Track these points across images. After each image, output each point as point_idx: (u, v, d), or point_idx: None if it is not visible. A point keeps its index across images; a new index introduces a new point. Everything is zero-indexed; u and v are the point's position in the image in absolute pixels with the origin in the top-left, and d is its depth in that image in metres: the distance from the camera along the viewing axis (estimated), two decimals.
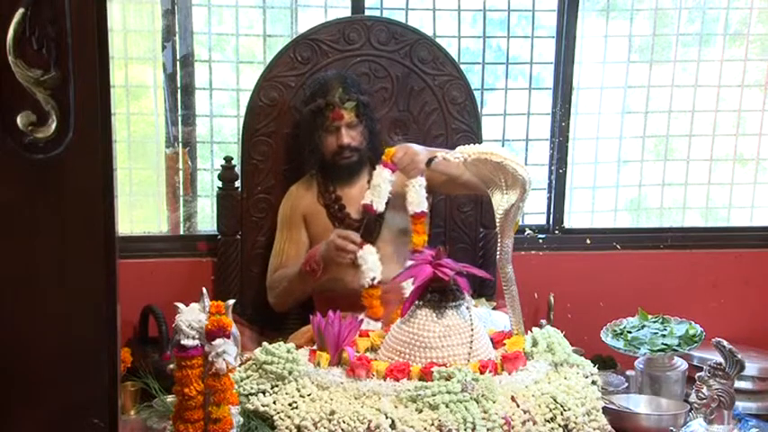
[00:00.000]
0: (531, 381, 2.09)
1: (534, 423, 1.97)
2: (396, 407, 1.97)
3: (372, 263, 2.57)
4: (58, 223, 1.31)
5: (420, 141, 2.95)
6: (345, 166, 2.70)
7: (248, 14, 3.17)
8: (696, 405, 2.14)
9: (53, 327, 1.33)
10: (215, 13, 3.14)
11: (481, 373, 2.05)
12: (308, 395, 2.04)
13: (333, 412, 1.96)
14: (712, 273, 3.32)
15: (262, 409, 2.02)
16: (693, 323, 2.74)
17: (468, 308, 2.19)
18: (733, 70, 3.40)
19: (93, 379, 1.35)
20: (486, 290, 2.98)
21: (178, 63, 3.08)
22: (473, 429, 1.91)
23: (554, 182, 3.28)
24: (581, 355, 2.33)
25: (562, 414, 2.01)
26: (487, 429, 1.92)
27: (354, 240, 2.55)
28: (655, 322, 2.80)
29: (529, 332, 2.30)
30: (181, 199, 3.16)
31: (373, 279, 2.56)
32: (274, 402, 2.03)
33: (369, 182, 2.72)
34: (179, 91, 3.10)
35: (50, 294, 1.32)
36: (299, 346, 2.23)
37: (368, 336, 2.33)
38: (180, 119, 3.11)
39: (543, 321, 2.84)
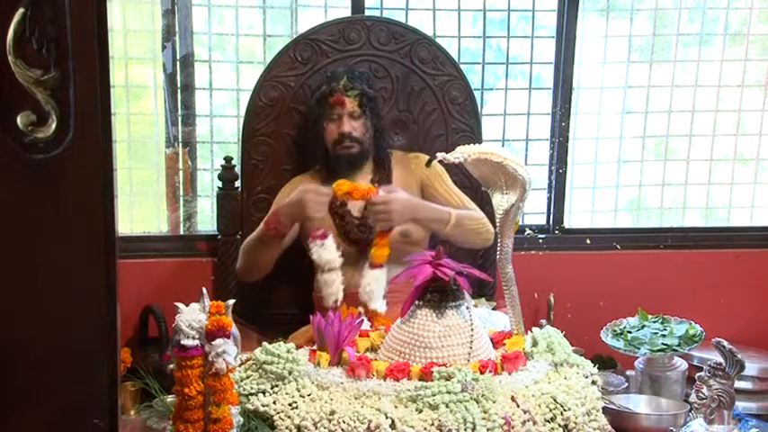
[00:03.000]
0: (531, 381, 2.09)
1: (534, 423, 1.97)
2: (396, 407, 1.97)
3: (336, 286, 2.53)
4: (58, 223, 1.31)
5: (420, 141, 2.97)
6: (345, 156, 2.69)
7: (248, 14, 3.17)
8: (696, 405, 2.14)
9: (53, 327, 1.33)
10: (215, 13, 3.14)
11: (481, 373, 2.05)
12: (308, 395, 2.04)
13: (333, 412, 1.96)
14: (712, 273, 3.32)
15: (262, 409, 2.02)
16: (693, 323, 2.74)
17: (468, 308, 2.19)
18: (733, 70, 3.40)
19: (93, 379, 1.35)
20: (486, 290, 2.98)
21: (178, 63, 3.08)
22: (473, 429, 1.91)
23: (554, 182, 3.29)
24: (581, 355, 2.33)
25: (562, 414, 2.01)
26: (487, 429, 1.92)
27: (326, 192, 2.53)
28: (655, 322, 2.79)
29: (529, 332, 2.30)
30: (181, 199, 3.16)
31: (335, 302, 2.51)
32: (274, 402, 2.03)
33: (372, 180, 2.72)
34: (179, 91, 3.10)
35: (50, 294, 1.32)
36: (299, 346, 2.23)
37: (368, 336, 2.33)
38: (180, 119, 3.11)
39: (543, 321, 2.84)
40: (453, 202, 2.73)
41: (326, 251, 2.52)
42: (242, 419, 1.99)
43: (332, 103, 2.67)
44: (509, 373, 2.11)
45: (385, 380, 2.06)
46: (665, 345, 2.64)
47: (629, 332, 2.75)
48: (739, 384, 2.41)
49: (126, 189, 3.09)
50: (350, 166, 2.71)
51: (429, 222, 2.63)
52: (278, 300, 2.95)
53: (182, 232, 3.15)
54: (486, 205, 2.72)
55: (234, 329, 1.93)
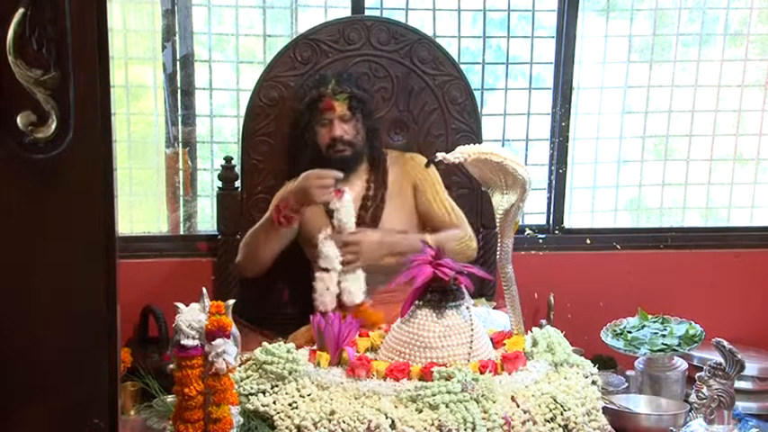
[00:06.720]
0: (531, 381, 2.09)
1: (534, 423, 1.97)
2: (396, 407, 1.97)
3: (355, 283, 2.58)
4: (58, 223, 1.31)
5: (420, 141, 2.97)
6: (339, 159, 2.69)
7: (248, 14, 3.17)
8: (696, 405, 2.14)
9: (53, 327, 1.32)
10: (215, 13, 3.14)
11: (481, 373, 2.05)
12: (308, 395, 2.04)
13: (333, 412, 1.96)
14: (712, 273, 3.32)
15: (262, 409, 2.02)
16: (693, 323, 2.74)
17: (468, 308, 2.19)
18: (733, 70, 3.40)
19: (93, 379, 1.34)
20: (486, 290, 2.98)
21: (178, 63, 3.08)
22: (473, 429, 1.91)
23: (554, 182, 3.29)
24: (581, 355, 2.33)
25: (562, 414, 2.01)
26: (487, 429, 1.92)
27: (329, 174, 2.55)
28: (655, 322, 2.80)
29: (529, 332, 2.30)
30: (181, 199, 3.17)
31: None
32: (274, 402, 2.03)
33: (367, 180, 2.73)
34: (179, 91, 3.10)
35: (50, 294, 1.32)
36: (299, 346, 2.23)
37: (368, 336, 2.33)
38: (180, 119, 3.11)
39: (543, 321, 2.84)
40: (438, 213, 2.74)
41: (344, 209, 2.57)
42: (242, 419, 1.99)
43: (321, 109, 2.67)
44: (509, 373, 2.11)
45: (385, 380, 2.06)
46: (665, 345, 2.64)
47: (629, 332, 2.75)
48: (739, 384, 2.41)
49: (126, 189, 3.09)
50: (344, 168, 2.71)
51: (407, 255, 2.62)
52: (278, 300, 2.95)
53: (182, 232, 3.15)
54: (485, 205, 2.72)
55: (234, 329, 1.93)
